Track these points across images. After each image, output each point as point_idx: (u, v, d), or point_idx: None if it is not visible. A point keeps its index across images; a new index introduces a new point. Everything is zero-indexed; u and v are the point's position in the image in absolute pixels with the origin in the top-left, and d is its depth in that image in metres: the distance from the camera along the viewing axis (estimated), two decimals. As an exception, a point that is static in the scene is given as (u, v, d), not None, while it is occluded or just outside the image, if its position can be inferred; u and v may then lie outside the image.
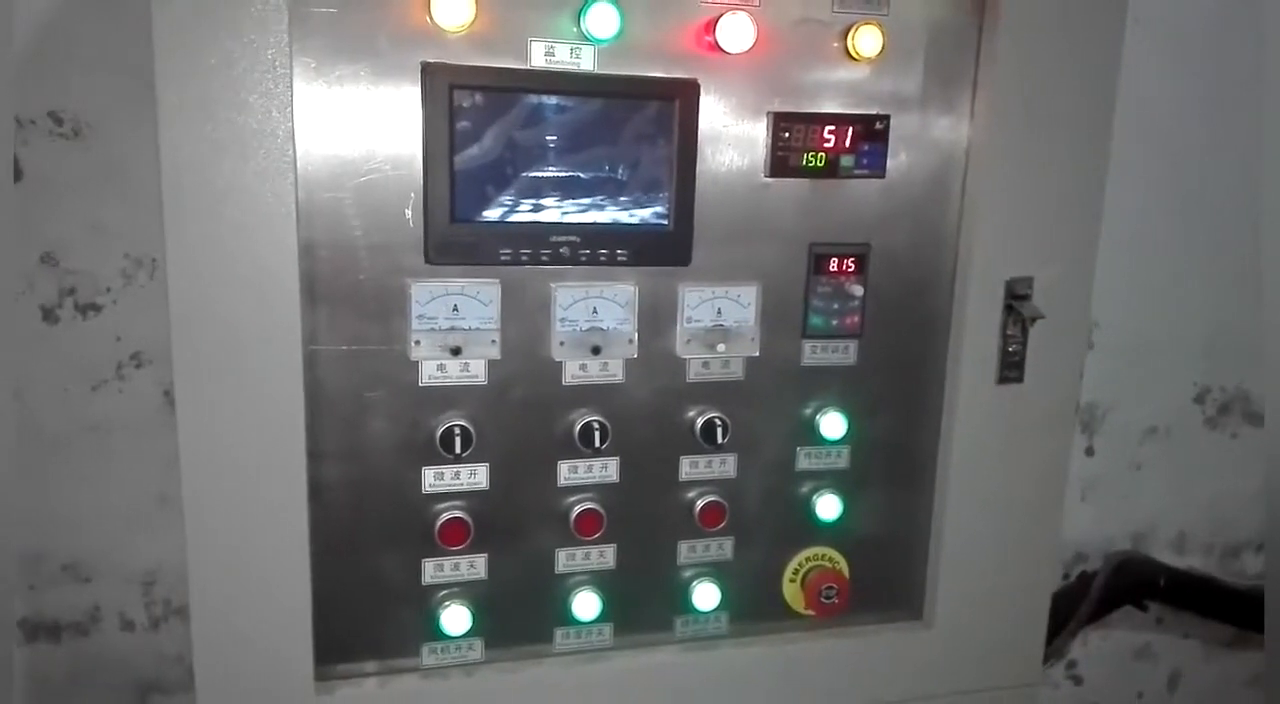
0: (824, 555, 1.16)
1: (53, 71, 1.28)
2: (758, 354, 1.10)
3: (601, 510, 1.08)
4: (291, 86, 0.91)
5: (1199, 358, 1.70)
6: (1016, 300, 1.13)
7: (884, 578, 1.20)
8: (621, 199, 1.02)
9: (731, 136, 1.05)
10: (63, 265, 1.33)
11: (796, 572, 1.16)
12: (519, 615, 1.09)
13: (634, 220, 1.03)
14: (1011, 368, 1.14)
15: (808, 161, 1.06)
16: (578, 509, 1.07)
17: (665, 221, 1.04)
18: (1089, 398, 1.66)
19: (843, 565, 1.17)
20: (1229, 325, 1.68)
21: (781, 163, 1.06)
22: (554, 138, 1.00)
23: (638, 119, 1.01)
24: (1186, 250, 1.64)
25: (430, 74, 0.95)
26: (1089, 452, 1.70)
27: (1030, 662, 1.22)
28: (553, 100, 0.99)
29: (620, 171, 1.02)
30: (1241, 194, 1.61)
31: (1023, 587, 1.20)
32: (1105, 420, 1.69)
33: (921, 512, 1.18)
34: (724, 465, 1.11)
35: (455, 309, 1.01)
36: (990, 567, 1.18)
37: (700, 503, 1.11)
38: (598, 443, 1.05)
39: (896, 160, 1.09)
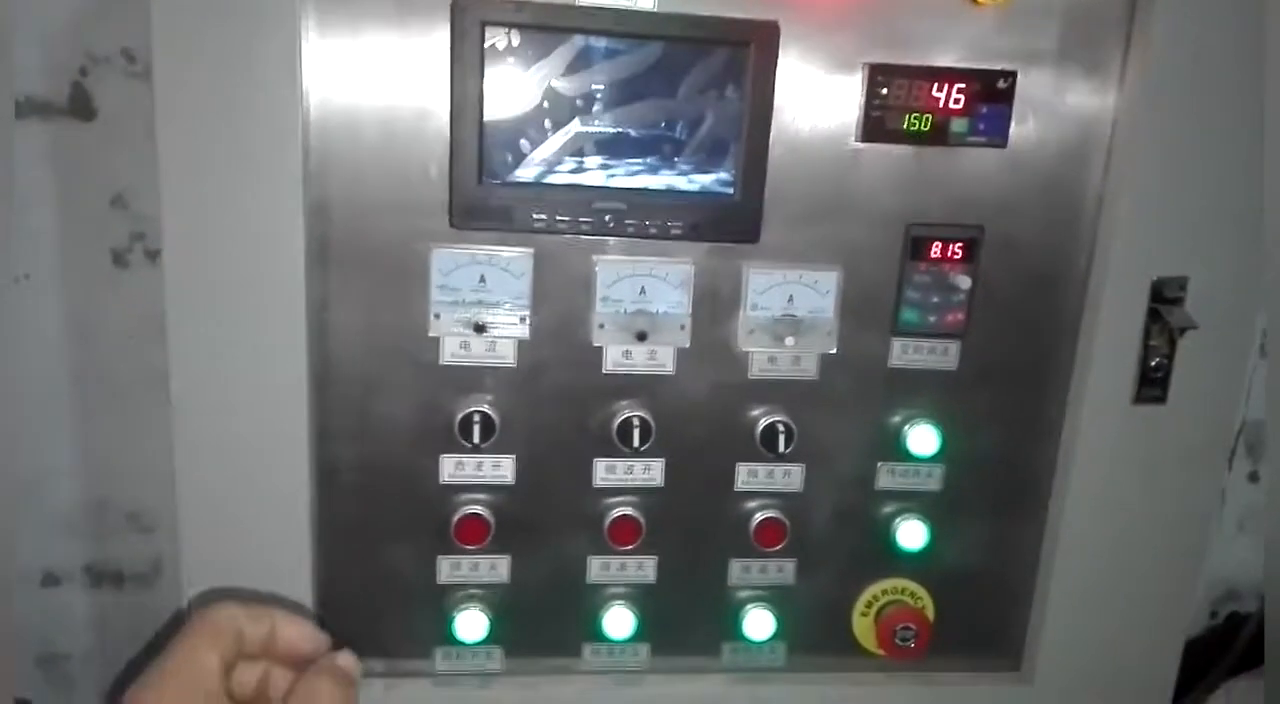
0: (905, 589, 0.97)
1: (126, 6, 1.20)
2: (835, 351, 0.91)
3: (641, 518, 0.92)
4: (299, 24, 0.78)
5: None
6: (1164, 305, 0.89)
7: (976, 620, 0.99)
8: (679, 162, 0.85)
9: (817, 92, 0.85)
10: (133, 209, 1.26)
11: (870, 605, 0.97)
12: (544, 625, 0.95)
13: (693, 188, 0.85)
14: (1153, 386, 0.91)
15: (910, 125, 0.86)
16: (614, 514, 0.92)
17: (730, 190, 0.86)
18: (1255, 415, 1.38)
19: (927, 603, 0.97)
20: None
21: (877, 125, 0.86)
22: (602, 87, 0.83)
23: (703, 67, 0.83)
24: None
25: (461, 9, 0.80)
26: (1252, 477, 1.42)
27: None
28: (602, 43, 0.82)
29: (679, 130, 0.84)
30: None
31: (1147, 643, 0.98)
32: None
33: (1028, 548, 0.96)
34: (788, 477, 0.93)
35: (482, 280, 0.86)
36: (1108, 617, 0.96)
37: (757, 518, 0.93)
38: (638, 442, 0.89)
39: (1022, 128, 0.87)
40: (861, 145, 0.86)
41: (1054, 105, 0.87)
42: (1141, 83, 0.85)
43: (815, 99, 0.85)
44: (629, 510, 0.92)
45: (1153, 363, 0.91)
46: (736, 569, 0.95)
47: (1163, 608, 0.97)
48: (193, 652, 0.55)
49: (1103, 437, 0.92)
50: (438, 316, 0.86)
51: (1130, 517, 0.94)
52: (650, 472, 0.92)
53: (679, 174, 0.85)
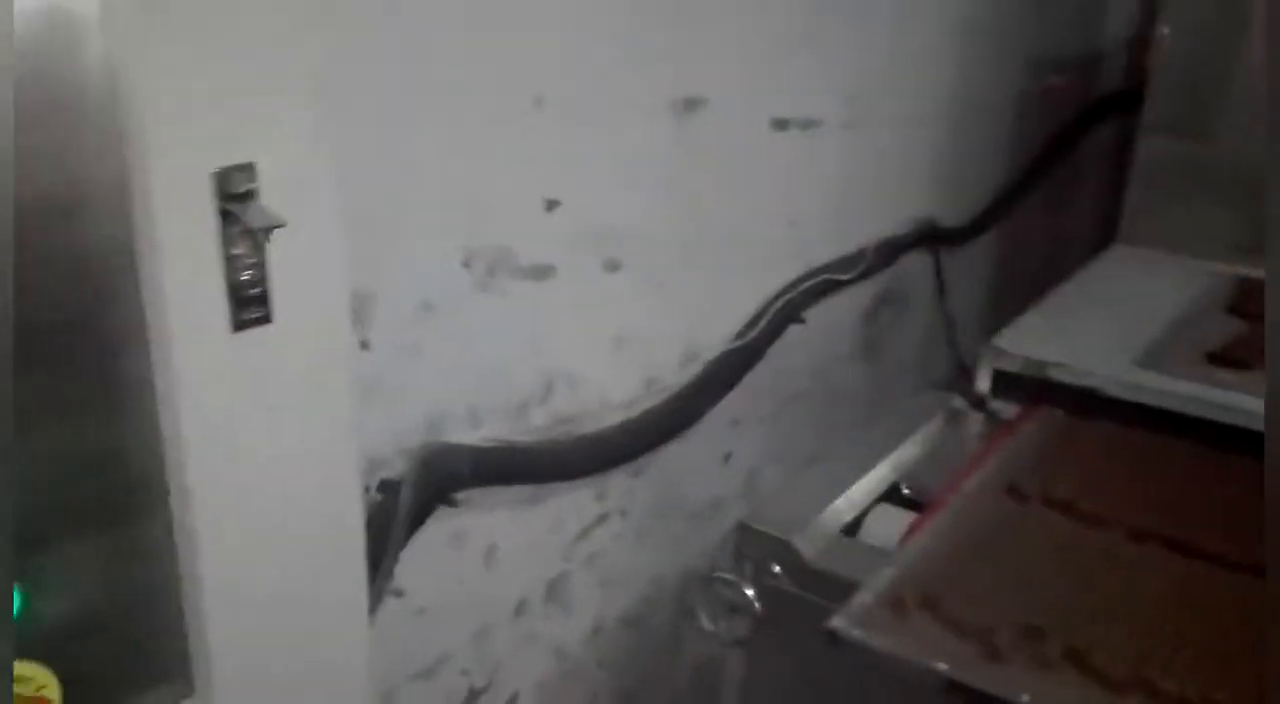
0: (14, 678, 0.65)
1: None
2: None
3: None
4: None
5: (458, 217, 1.43)
6: (235, 203, 0.68)
7: (127, 664, 0.72)
8: None
9: None
10: None
11: (-39, 725, 0.63)
12: None
13: None
14: (250, 305, 0.71)
15: None
16: None
17: None
18: (352, 286, 1.30)
19: (47, 681, 0.66)
20: (486, 181, 1.43)
21: None
22: None
23: None
24: (428, 91, 1.31)
25: None
26: (364, 345, 1.35)
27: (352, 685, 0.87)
28: None
29: None
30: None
31: (330, 604, 0.83)
32: (375, 306, 1.35)
33: (163, 549, 0.72)
34: None
35: None
36: (275, 593, 0.77)
37: None
38: None
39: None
40: None
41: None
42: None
43: None
44: None
45: (243, 278, 0.70)
46: None
47: (336, 558, 0.82)
48: None
49: (207, 385, 0.69)
50: None
51: (266, 466, 0.74)
52: None
53: None
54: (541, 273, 1.55)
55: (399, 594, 1.49)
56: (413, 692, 1.46)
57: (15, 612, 0.62)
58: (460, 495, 1.49)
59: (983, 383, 1.78)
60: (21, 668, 0.65)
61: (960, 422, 1.79)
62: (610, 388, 1.68)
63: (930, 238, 2.28)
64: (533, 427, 1.66)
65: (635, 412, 1.71)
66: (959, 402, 1.83)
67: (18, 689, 0.64)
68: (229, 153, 0.67)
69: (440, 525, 1.52)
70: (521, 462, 1.57)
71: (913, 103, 2.19)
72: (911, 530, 1.38)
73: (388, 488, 1.40)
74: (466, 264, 1.48)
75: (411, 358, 1.44)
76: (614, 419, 1.69)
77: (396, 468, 1.43)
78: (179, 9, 0.63)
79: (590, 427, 1.66)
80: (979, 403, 1.78)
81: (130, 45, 0.62)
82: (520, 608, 1.64)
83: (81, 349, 0.65)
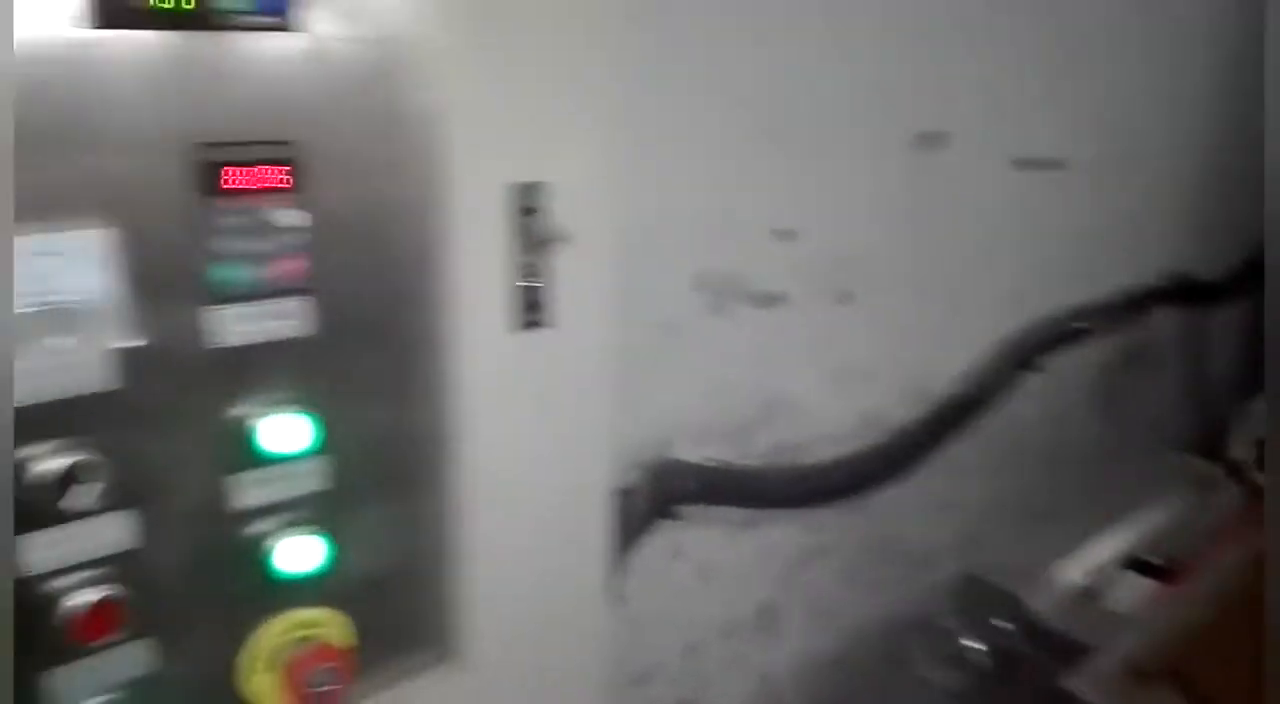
0: (311, 622, 0.72)
1: None
2: (137, 341, 0.61)
3: None
4: None
5: (695, 242, 1.48)
6: (527, 217, 0.75)
7: (398, 624, 0.79)
8: None
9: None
10: None
11: (275, 655, 0.71)
12: None
13: None
14: (532, 309, 0.77)
15: (159, 0, 0.57)
16: None
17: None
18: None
19: (336, 630, 0.74)
20: (721, 204, 1.47)
21: (115, 3, 0.55)
22: None
23: None
24: (671, 122, 1.37)
25: None
26: (605, 360, 1.42)
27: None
28: None
29: None
30: (731, 46, 1.37)
31: (574, 595, 0.87)
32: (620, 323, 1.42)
33: (440, 521, 0.78)
34: (105, 534, 0.62)
35: None
36: (529, 579, 0.82)
37: (74, 603, 0.61)
38: None
39: (317, 5, 0.63)
40: (100, 33, 0.55)
41: (357, -27, 0.64)
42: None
43: (0, -38, 0.52)
44: None
45: (527, 284, 0.76)
46: (63, 681, 0.62)
47: (584, 551, 0.86)
48: None
49: (490, 377, 0.76)
50: None
51: (538, 458, 0.80)
52: None
53: None
54: (772, 300, 1.56)
55: (621, 599, 1.54)
56: (627, 695, 1.50)
57: (325, 560, 0.70)
58: (682, 511, 1.53)
59: (1240, 450, 1.64)
60: (316, 615, 0.73)
61: (1210, 488, 1.65)
62: (827, 419, 1.67)
63: (1183, 292, 2.12)
64: (754, 452, 1.68)
65: (855, 447, 1.68)
66: (1209, 467, 1.69)
67: (317, 632, 0.72)
68: (525, 171, 0.73)
69: (662, 538, 1.56)
70: (742, 484, 1.59)
71: (1166, 146, 2.06)
72: (1156, 598, 1.29)
73: (621, 496, 1.46)
74: (702, 287, 1.52)
75: (648, 374, 1.50)
76: (834, 452, 1.67)
77: (629, 478, 1.48)
78: (498, 46, 0.70)
79: (810, 458, 1.65)
80: (1235, 470, 1.64)
81: (450, 75, 0.69)
82: (730, 629, 1.65)
83: (390, 341, 0.73)
